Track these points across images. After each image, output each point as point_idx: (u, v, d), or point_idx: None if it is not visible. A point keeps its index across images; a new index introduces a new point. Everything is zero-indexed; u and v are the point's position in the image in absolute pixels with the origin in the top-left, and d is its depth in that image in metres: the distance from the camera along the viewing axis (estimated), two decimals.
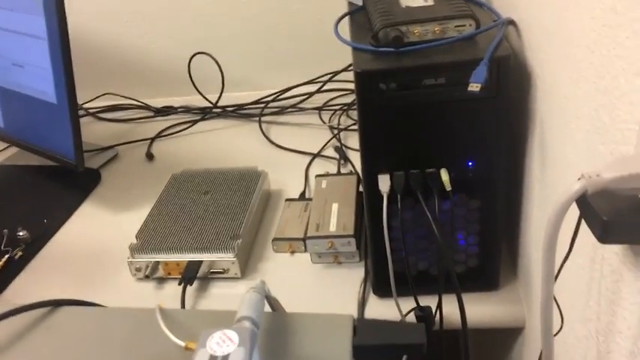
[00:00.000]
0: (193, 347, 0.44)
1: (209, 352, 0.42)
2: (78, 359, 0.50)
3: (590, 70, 0.45)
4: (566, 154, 0.52)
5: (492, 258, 0.72)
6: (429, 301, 0.70)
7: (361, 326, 0.53)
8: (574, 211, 0.38)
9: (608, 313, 0.44)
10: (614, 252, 0.42)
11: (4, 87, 1.05)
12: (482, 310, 0.73)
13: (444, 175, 0.65)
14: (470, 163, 0.66)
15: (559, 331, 0.55)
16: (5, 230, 0.87)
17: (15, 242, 0.91)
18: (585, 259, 0.48)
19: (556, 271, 0.45)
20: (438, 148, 0.65)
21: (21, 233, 0.92)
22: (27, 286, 0.84)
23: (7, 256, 0.85)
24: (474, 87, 0.58)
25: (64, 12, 0.90)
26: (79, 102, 1.30)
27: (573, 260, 0.51)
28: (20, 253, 0.89)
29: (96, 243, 0.92)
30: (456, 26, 0.63)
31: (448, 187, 0.65)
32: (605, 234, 0.35)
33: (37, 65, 0.97)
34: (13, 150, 1.18)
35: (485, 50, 0.60)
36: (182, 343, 0.51)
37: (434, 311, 0.70)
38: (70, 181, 1.06)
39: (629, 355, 0.41)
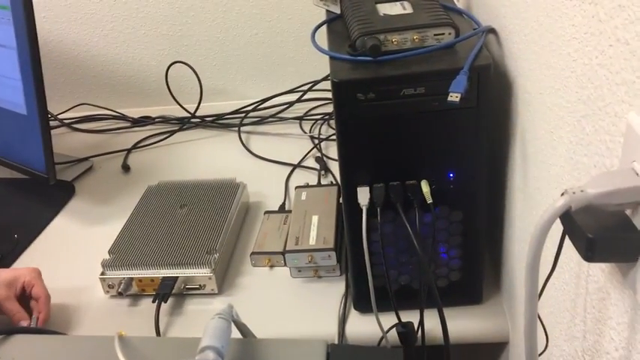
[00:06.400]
0: None
1: None
2: None
3: (572, 79, 0.44)
4: (549, 165, 0.51)
5: (475, 271, 0.71)
6: (412, 316, 0.68)
7: (335, 352, 0.50)
8: (558, 226, 0.36)
9: (594, 332, 0.42)
10: (600, 269, 0.40)
11: None
12: (465, 324, 0.71)
13: (425, 187, 0.63)
14: (451, 175, 0.64)
15: (544, 351, 0.53)
16: None
17: None
18: (570, 275, 0.47)
19: (540, 288, 0.43)
20: (418, 160, 0.63)
21: None
22: None
23: None
24: (454, 97, 0.56)
25: (34, 22, 0.88)
26: (54, 112, 1.27)
27: (558, 277, 0.49)
28: None
29: (68, 259, 0.89)
30: (435, 35, 0.62)
31: (429, 200, 0.63)
32: (590, 253, 0.34)
33: (7, 75, 0.94)
34: None
35: (465, 59, 0.59)
36: None
37: (416, 327, 0.68)
38: (42, 194, 1.03)
39: None
